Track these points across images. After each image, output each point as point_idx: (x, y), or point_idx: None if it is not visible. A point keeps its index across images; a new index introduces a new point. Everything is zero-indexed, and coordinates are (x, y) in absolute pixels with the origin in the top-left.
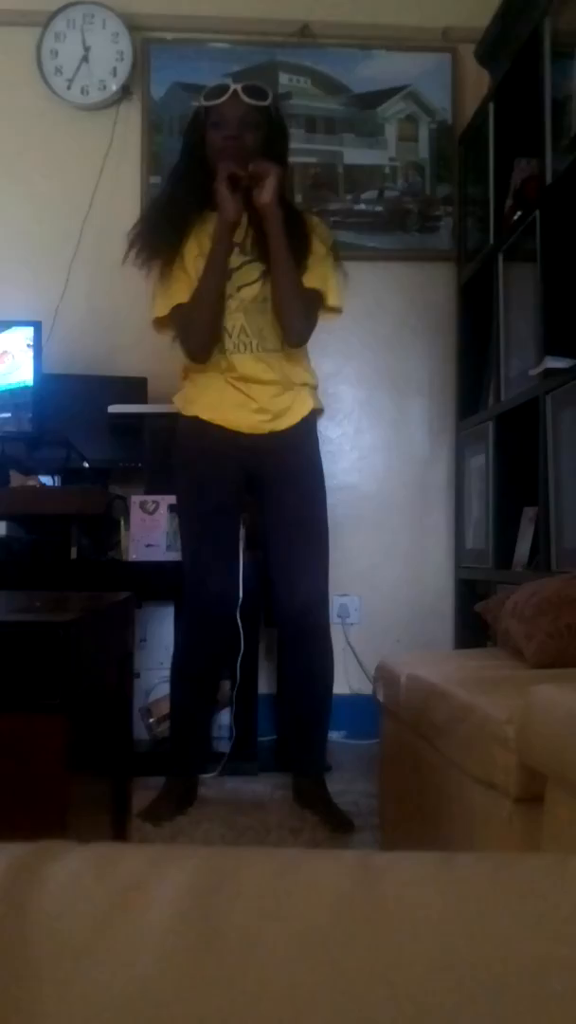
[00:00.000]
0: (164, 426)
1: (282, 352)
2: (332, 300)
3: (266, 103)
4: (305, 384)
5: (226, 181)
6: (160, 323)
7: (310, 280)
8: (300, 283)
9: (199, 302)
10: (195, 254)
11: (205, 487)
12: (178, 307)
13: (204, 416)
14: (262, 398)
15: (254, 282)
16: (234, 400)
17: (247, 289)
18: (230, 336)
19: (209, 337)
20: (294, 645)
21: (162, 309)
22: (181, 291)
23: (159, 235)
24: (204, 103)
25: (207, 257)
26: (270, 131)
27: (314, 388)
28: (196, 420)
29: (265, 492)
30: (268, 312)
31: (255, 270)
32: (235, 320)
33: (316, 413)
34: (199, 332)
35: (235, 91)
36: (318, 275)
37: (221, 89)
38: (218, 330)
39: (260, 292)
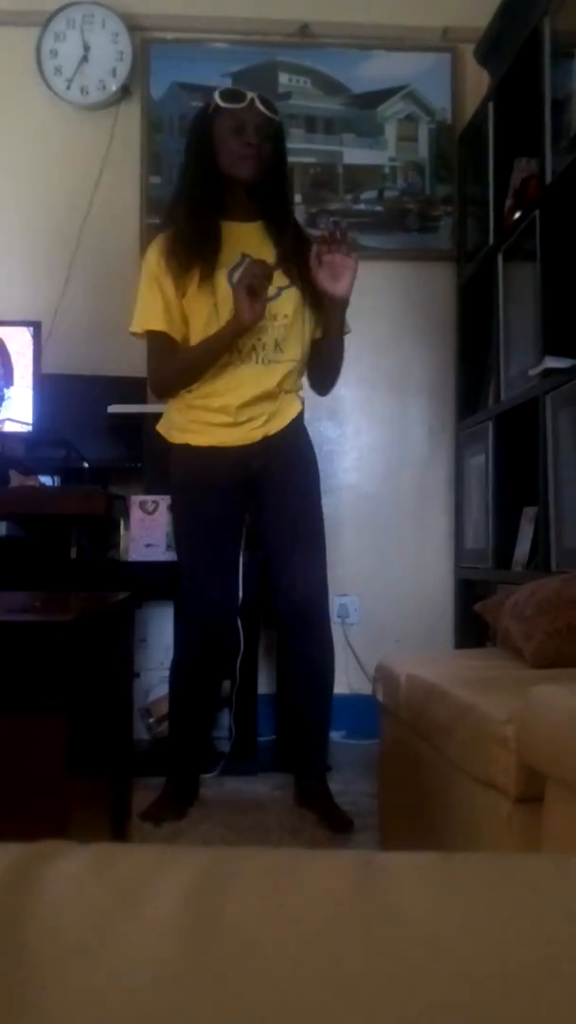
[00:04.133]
0: None
1: (286, 362)
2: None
3: (278, 117)
4: (292, 390)
5: (245, 289)
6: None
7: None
8: (341, 355)
9: (190, 372)
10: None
11: (203, 511)
12: (159, 334)
13: (193, 442)
14: (244, 413)
15: (275, 298)
16: (219, 420)
17: (271, 306)
18: (239, 351)
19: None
20: (295, 640)
21: (152, 324)
22: (170, 319)
23: (193, 253)
24: (222, 104)
25: (212, 341)
26: (278, 145)
27: (299, 391)
28: (186, 447)
29: (262, 491)
30: (287, 325)
31: (285, 290)
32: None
33: (302, 413)
34: (176, 387)
35: (253, 99)
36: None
37: (240, 94)
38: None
39: (280, 308)
